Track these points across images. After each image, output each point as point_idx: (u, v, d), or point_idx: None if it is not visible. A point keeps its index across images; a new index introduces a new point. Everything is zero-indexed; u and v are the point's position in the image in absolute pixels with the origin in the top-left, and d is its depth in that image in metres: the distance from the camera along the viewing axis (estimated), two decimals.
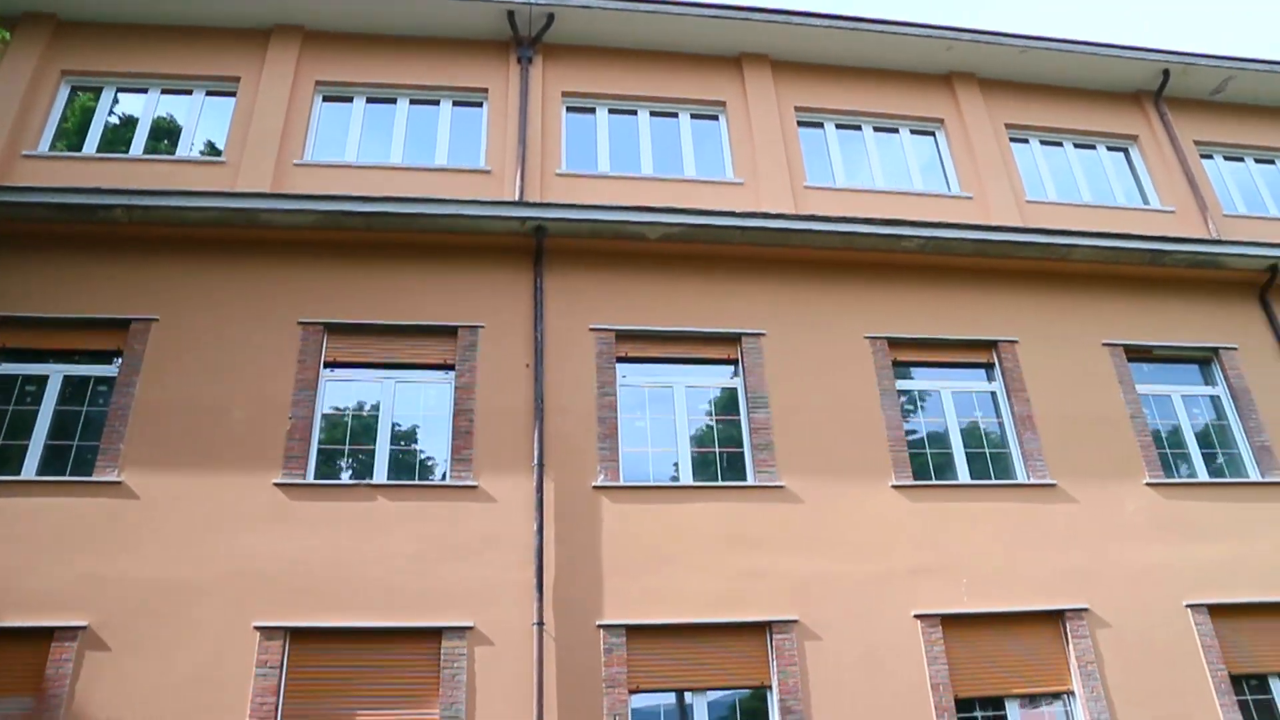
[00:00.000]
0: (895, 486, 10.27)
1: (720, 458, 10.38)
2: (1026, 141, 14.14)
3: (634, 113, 13.07)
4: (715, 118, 13.25)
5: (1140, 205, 13.80)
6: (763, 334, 10.94)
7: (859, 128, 13.68)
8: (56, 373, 9.86)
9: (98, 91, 12.22)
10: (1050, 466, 10.75)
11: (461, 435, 9.81)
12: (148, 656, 8.32)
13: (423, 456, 9.93)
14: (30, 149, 11.36)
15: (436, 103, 12.68)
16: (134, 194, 10.12)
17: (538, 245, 10.79)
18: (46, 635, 8.29)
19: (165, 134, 12.06)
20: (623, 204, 11.11)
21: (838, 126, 13.62)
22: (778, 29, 13.32)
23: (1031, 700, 9.62)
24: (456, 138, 12.40)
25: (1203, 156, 14.62)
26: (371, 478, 9.65)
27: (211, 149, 11.91)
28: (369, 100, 12.58)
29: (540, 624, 8.81)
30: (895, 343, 11.28)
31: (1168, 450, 11.43)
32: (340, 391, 10.17)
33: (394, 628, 8.75)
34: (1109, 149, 14.45)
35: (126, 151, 11.73)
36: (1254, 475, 11.32)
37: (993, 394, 11.39)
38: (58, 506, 8.90)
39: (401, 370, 10.34)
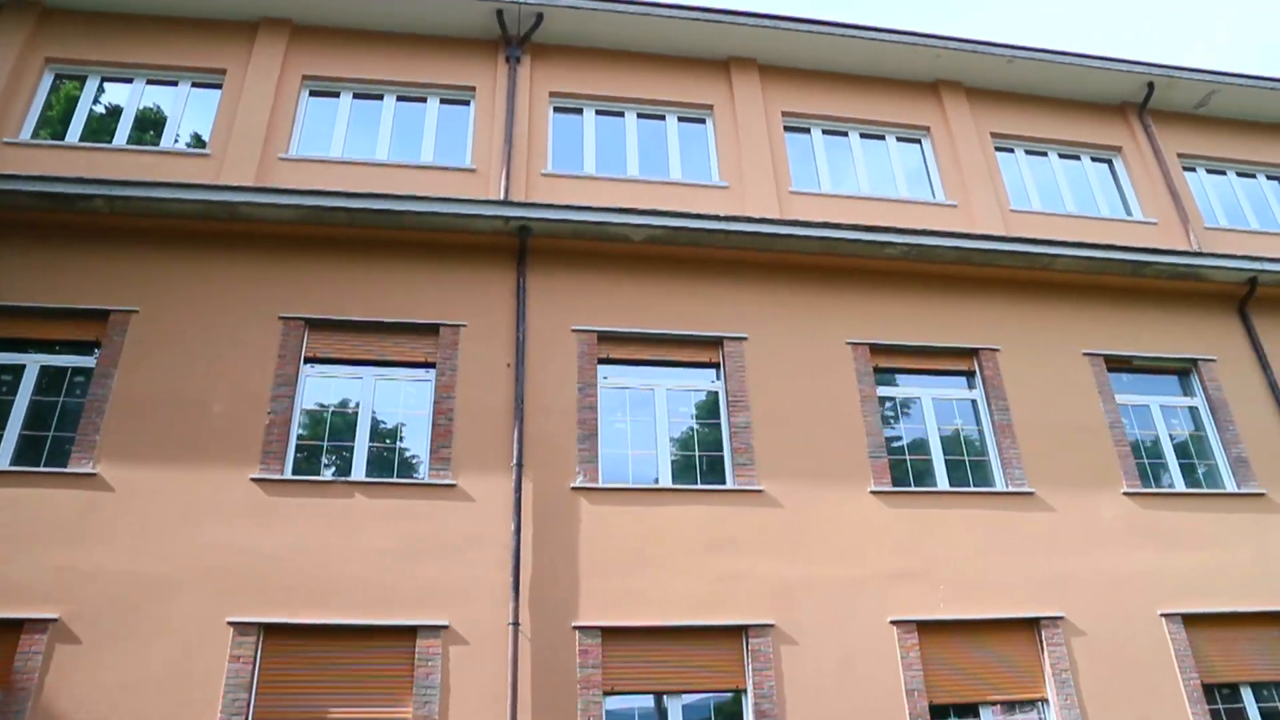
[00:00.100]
0: (874, 492, 10.30)
1: (700, 461, 10.38)
2: (1011, 151, 14.22)
3: (621, 114, 13.07)
4: (702, 121, 13.27)
5: (1123, 216, 13.89)
6: (745, 338, 10.95)
7: (845, 134, 13.72)
8: (34, 363, 9.77)
9: (82, 80, 12.13)
10: (1029, 475, 10.80)
11: (441, 434, 9.77)
12: (119, 650, 8.25)
13: (402, 454, 9.90)
14: (12, 136, 11.27)
15: (424, 100, 12.65)
16: (116, 184, 10.04)
17: (521, 245, 10.77)
18: (16, 627, 8.21)
19: (150, 125, 11.98)
20: (607, 205, 11.11)
21: (824, 132, 13.66)
22: (766, 33, 13.34)
23: (1006, 708, 9.65)
24: (443, 135, 12.37)
25: (1185, 169, 14.75)
26: (350, 475, 9.61)
27: (197, 141, 11.84)
28: (356, 96, 12.53)
29: (516, 624, 8.80)
30: (877, 349, 11.32)
31: (1146, 460, 11.50)
32: (320, 387, 10.12)
33: (369, 625, 8.72)
34: (1093, 160, 14.55)
35: (110, 141, 11.65)
36: (1230, 486, 11.41)
37: (973, 401, 11.44)
38: (31, 498, 8.82)
39: (382, 367, 10.30)
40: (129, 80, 12.23)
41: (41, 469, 9.08)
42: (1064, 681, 9.61)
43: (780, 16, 13.29)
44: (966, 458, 11.04)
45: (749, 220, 11.06)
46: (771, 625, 9.33)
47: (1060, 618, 9.95)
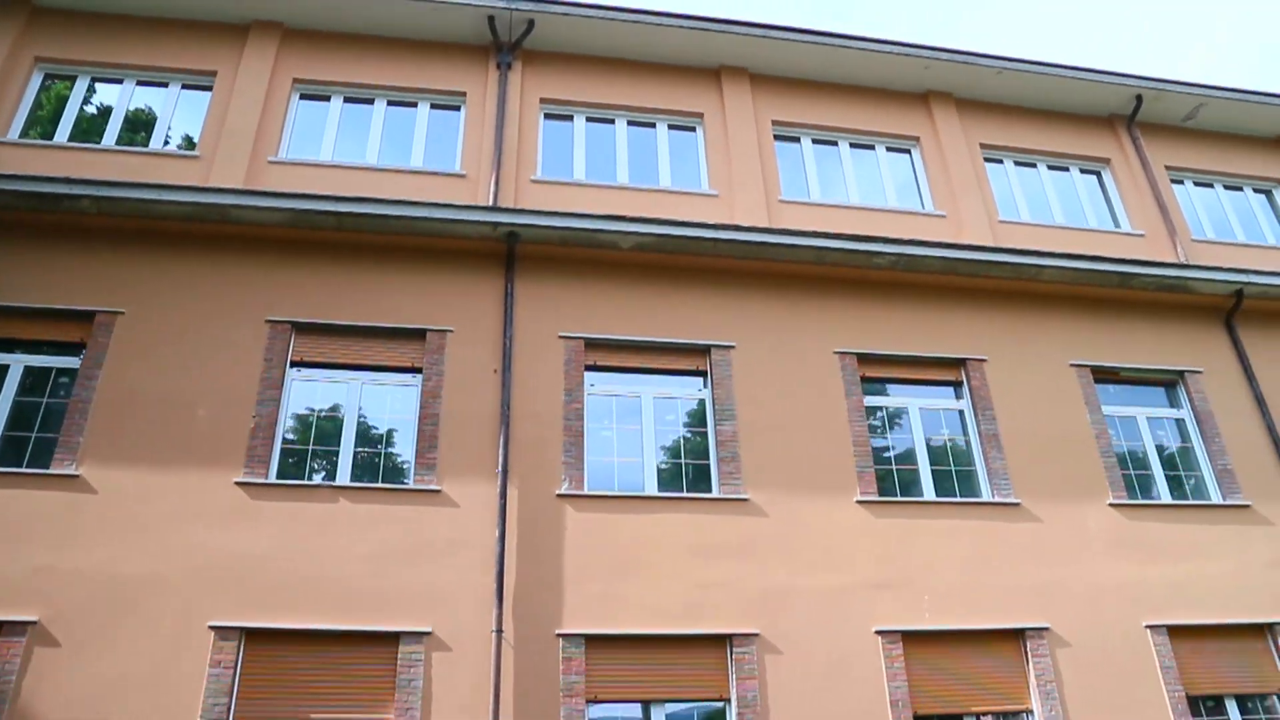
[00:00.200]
0: (860, 502, 10.30)
1: (686, 469, 10.37)
2: (1001, 162, 14.29)
3: (611, 121, 13.09)
4: (692, 129, 13.30)
5: (1111, 228, 13.95)
6: (732, 346, 10.95)
7: (835, 143, 13.76)
8: (18, 363, 9.72)
9: (72, 80, 12.10)
10: (1015, 485, 10.81)
11: (426, 439, 9.75)
12: (99, 654, 8.19)
13: (387, 459, 9.86)
14: (0, 136, 11.22)
15: (414, 105, 12.65)
16: (103, 185, 9.99)
17: (509, 251, 10.76)
18: None
19: (140, 126, 11.95)
20: (596, 212, 11.11)
21: (814, 141, 13.69)
22: (757, 42, 13.39)
23: (991, 718, 9.64)
24: (433, 140, 12.37)
25: (1173, 182, 14.84)
26: (334, 479, 9.57)
27: (187, 142, 11.82)
28: (346, 100, 12.53)
29: (499, 631, 8.76)
30: (865, 358, 11.33)
31: (1132, 471, 11.53)
32: (306, 391, 10.09)
33: (351, 631, 8.67)
34: (1082, 171, 14.62)
35: (99, 142, 11.62)
36: (1216, 498, 11.44)
37: (960, 412, 11.45)
38: (12, 498, 8.75)
39: (369, 372, 10.27)
40: (119, 81, 12.21)
41: (23, 470, 9.01)
42: (1049, 692, 9.61)
43: (771, 26, 13.34)
44: (953, 468, 11.05)
45: (738, 229, 11.06)
46: (756, 634, 9.31)
47: (1045, 628, 9.95)
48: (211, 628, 8.43)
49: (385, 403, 10.17)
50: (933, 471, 10.95)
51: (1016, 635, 9.94)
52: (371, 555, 9.02)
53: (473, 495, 9.50)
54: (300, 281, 10.42)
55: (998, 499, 10.67)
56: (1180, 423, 12.11)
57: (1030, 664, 9.78)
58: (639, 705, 9.01)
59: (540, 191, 11.90)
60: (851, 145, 13.81)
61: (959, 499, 10.67)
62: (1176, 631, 10.29)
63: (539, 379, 10.30)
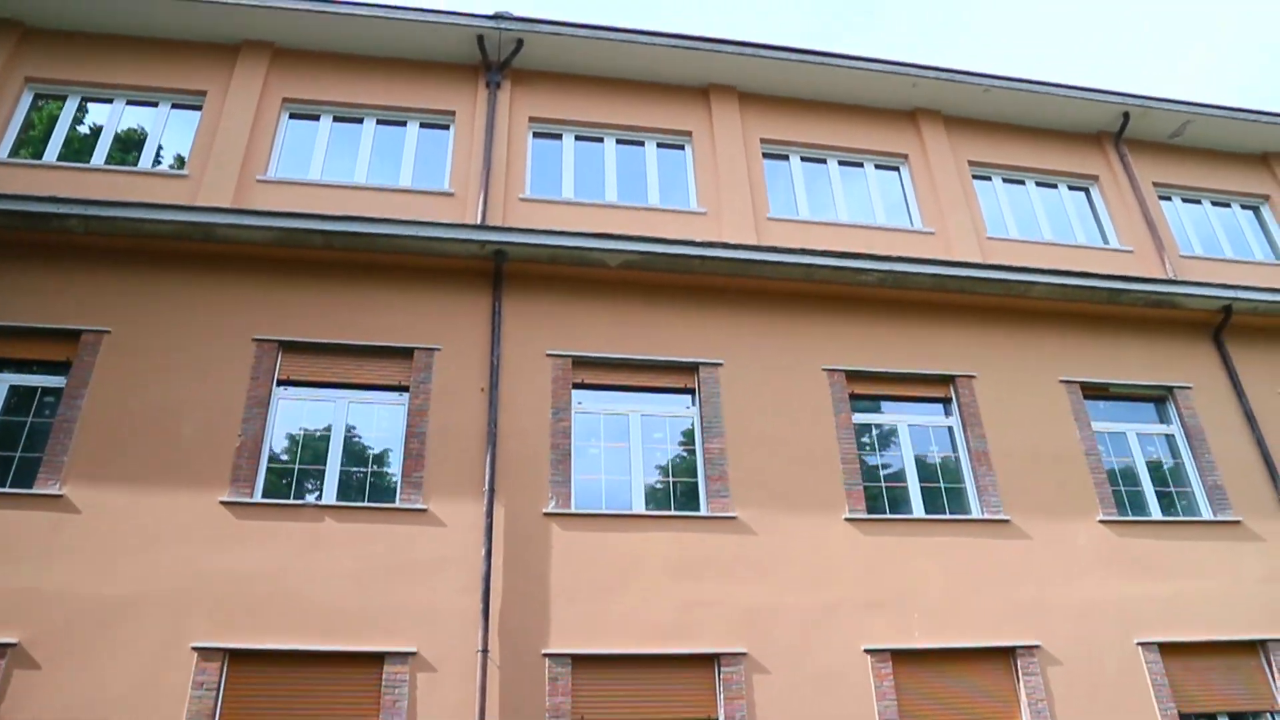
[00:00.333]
0: (848, 519, 10.25)
1: (674, 487, 10.33)
2: (989, 179, 14.34)
3: (600, 140, 13.14)
4: (681, 147, 13.35)
5: (1099, 244, 13.99)
6: (720, 364, 10.94)
7: (824, 161, 13.82)
8: (2, 382, 9.69)
9: (62, 100, 12.14)
10: (1005, 502, 10.77)
11: (413, 457, 9.71)
12: (80, 675, 8.10)
13: (373, 478, 9.82)
14: None
15: (403, 124, 12.70)
16: (90, 204, 10.00)
17: (497, 269, 10.77)
18: None
19: (130, 145, 11.98)
20: (583, 230, 11.12)
21: (803, 159, 13.75)
22: (745, 61, 13.46)
23: None
24: (422, 159, 12.41)
25: (1161, 198, 14.91)
26: (320, 498, 9.53)
27: (178, 162, 11.84)
28: (336, 119, 12.58)
29: (485, 651, 8.69)
30: (853, 375, 11.32)
31: (1122, 488, 11.49)
32: (293, 410, 10.05)
33: (336, 651, 8.60)
34: (1070, 188, 14.68)
35: (89, 161, 11.64)
36: (1206, 514, 11.40)
37: (949, 428, 11.43)
38: None
39: (355, 390, 10.24)
40: (109, 100, 12.25)
41: (6, 490, 8.96)
42: (1040, 711, 9.54)
43: (760, 45, 13.41)
44: (942, 485, 11.01)
45: (725, 246, 11.08)
46: (744, 654, 9.24)
47: (1036, 646, 9.89)
48: (194, 648, 8.36)
49: (372, 421, 10.14)
50: (922, 489, 10.91)
51: (1007, 653, 9.87)
52: (357, 575, 8.97)
53: (459, 514, 9.45)
54: (287, 300, 10.41)
55: (987, 516, 10.63)
56: (1170, 438, 12.09)
57: (1021, 682, 9.71)
58: None
59: (529, 210, 11.92)
60: (840, 163, 13.86)
61: (948, 516, 10.63)
62: (1168, 649, 10.22)
63: (526, 397, 10.27)
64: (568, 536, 9.55)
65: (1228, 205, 15.33)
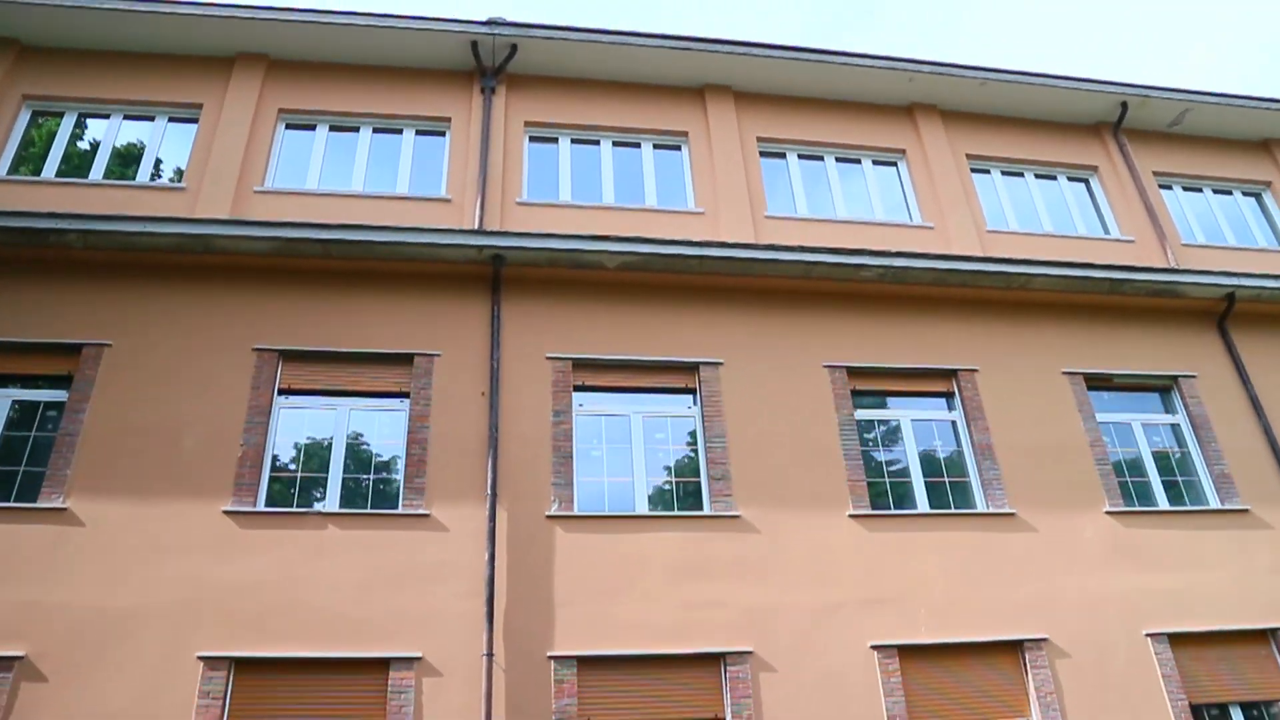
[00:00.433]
0: (853, 516, 10.22)
1: (676, 487, 10.32)
2: (988, 172, 14.29)
3: (596, 142, 13.14)
4: (678, 148, 13.34)
5: (1100, 235, 13.93)
6: (720, 363, 10.93)
7: (821, 158, 13.79)
8: (5, 397, 9.74)
9: (60, 116, 12.21)
10: (1009, 496, 10.73)
11: (415, 463, 9.72)
12: (87, 687, 8.13)
13: (376, 485, 9.83)
14: None
15: (399, 131, 12.73)
16: (89, 219, 10.06)
17: (495, 274, 10.78)
18: None
19: (128, 159, 12.04)
20: (581, 233, 11.13)
21: (800, 157, 13.72)
22: (740, 60, 13.45)
23: None
24: (418, 166, 12.44)
25: (1161, 187, 14.83)
26: (323, 506, 9.55)
27: (177, 175, 11.89)
28: (332, 128, 12.61)
29: (490, 655, 8.68)
30: (855, 372, 11.29)
31: (1128, 478, 11.43)
32: (294, 419, 10.08)
33: (341, 658, 8.61)
34: (1069, 179, 14.62)
35: (87, 176, 11.70)
36: (1214, 503, 11.33)
37: (953, 423, 11.39)
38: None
39: (356, 398, 10.26)
40: (106, 116, 12.32)
41: (11, 504, 9.00)
42: (1049, 704, 9.49)
43: (754, 44, 13.40)
44: (946, 479, 10.98)
45: (723, 245, 11.07)
46: (750, 652, 9.22)
47: (1044, 639, 9.83)
48: (200, 658, 8.38)
49: (373, 428, 10.15)
50: (926, 483, 10.87)
51: (1015, 647, 9.82)
52: (361, 581, 8.98)
53: (462, 519, 9.46)
54: (287, 309, 10.44)
55: (992, 509, 10.59)
56: (1175, 428, 12.02)
57: (1029, 676, 9.66)
58: None
59: (526, 214, 11.93)
60: (837, 160, 13.84)
61: (953, 511, 10.60)
62: (1177, 639, 10.15)
63: (527, 401, 10.28)
64: (571, 539, 9.54)
65: (1229, 193, 15.25)
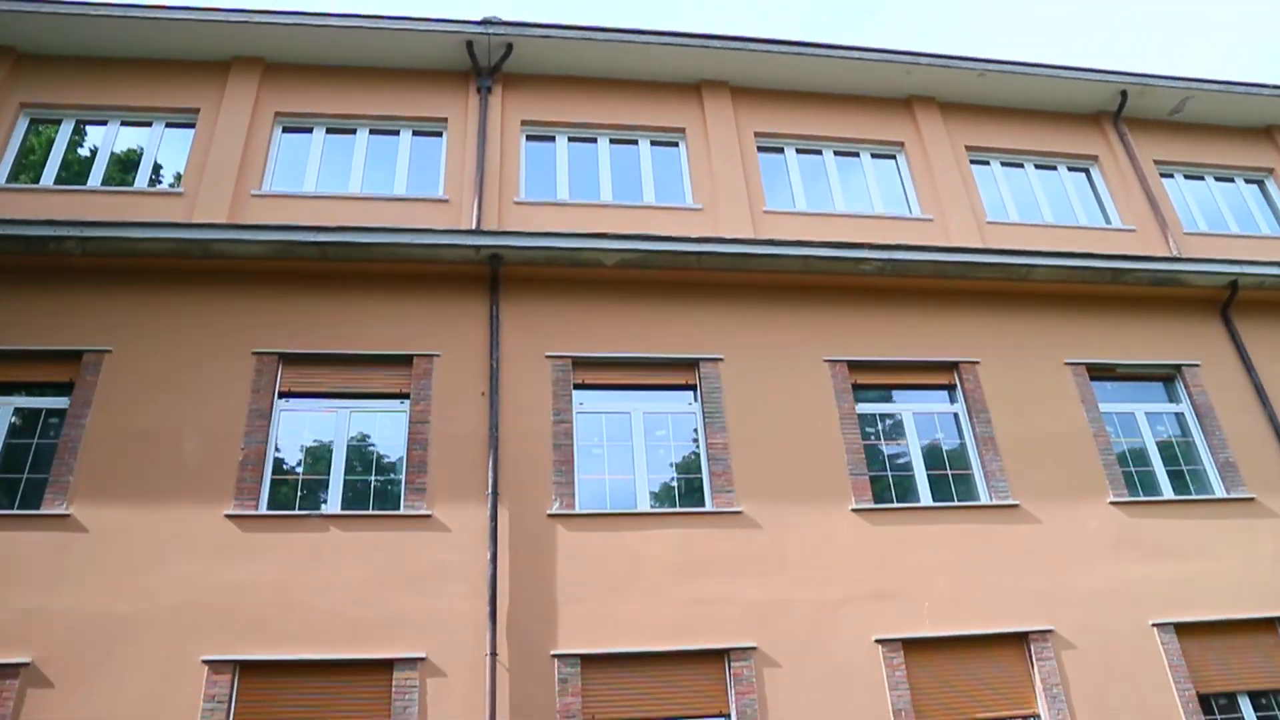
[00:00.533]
0: (855, 510, 10.20)
1: (678, 484, 10.30)
2: (987, 163, 14.23)
3: (594, 140, 13.12)
4: (675, 144, 13.31)
5: (1101, 224, 13.86)
6: (721, 359, 10.91)
7: (819, 152, 13.75)
8: (7, 405, 9.77)
9: (58, 123, 12.23)
10: (1013, 487, 10.69)
11: (416, 464, 9.73)
12: (92, 692, 8.16)
13: (377, 486, 9.84)
14: None
15: (396, 133, 12.73)
16: (87, 225, 10.08)
17: (493, 273, 10.78)
18: None
19: (126, 165, 12.06)
20: (578, 231, 11.11)
21: (798, 151, 13.68)
22: (737, 55, 13.42)
23: None
24: (415, 167, 12.43)
25: (1163, 175, 14.74)
26: (325, 508, 9.56)
27: (176, 180, 11.91)
28: (329, 131, 12.61)
29: (493, 654, 8.68)
30: (855, 365, 11.26)
31: (1132, 468, 11.38)
32: (295, 422, 10.09)
33: (345, 660, 8.62)
34: (1069, 169, 14.55)
35: (85, 183, 11.72)
36: (1219, 492, 11.27)
37: (955, 415, 11.36)
38: (4, 540, 8.77)
39: (357, 400, 10.27)
40: (103, 122, 12.33)
41: (14, 511, 9.04)
42: (1055, 696, 9.45)
43: (750, 39, 13.37)
44: (949, 472, 10.94)
45: (721, 241, 11.05)
46: (754, 648, 9.20)
47: (1049, 631, 9.80)
48: (205, 662, 8.40)
49: (374, 430, 10.16)
50: (929, 476, 10.84)
51: (1020, 639, 9.78)
52: (364, 583, 8.99)
53: (464, 518, 9.46)
54: (286, 312, 10.46)
55: (995, 501, 10.55)
56: (1180, 417, 11.97)
57: (1035, 668, 9.63)
58: None
59: (524, 213, 11.92)
60: (836, 153, 13.79)
61: (955, 503, 10.56)
62: (1184, 629, 10.10)
63: (527, 399, 10.28)
64: (573, 537, 9.54)
65: (1231, 180, 15.15)
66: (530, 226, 11.60)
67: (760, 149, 13.46)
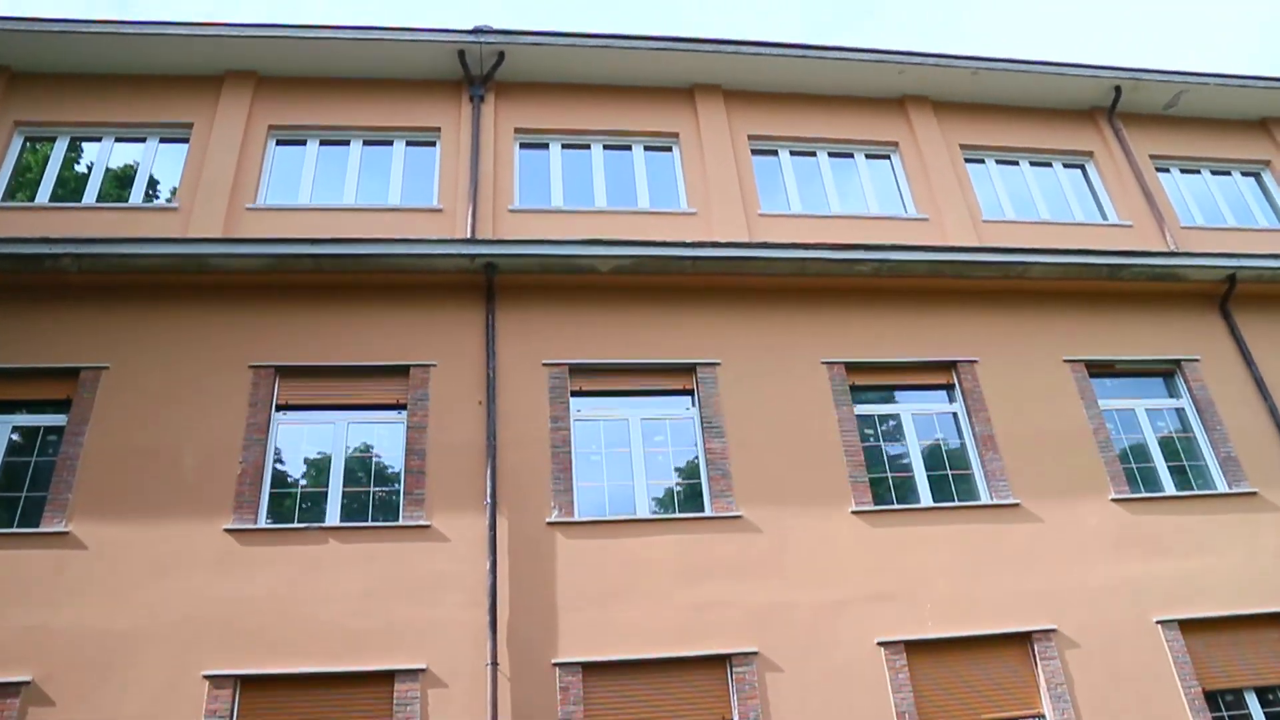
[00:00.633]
0: (855, 512, 10.17)
1: (677, 489, 10.28)
2: (982, 161, 14.21)
3: (587, 147, 13.13)
4: (669, 149, 13.32)
5: (1098, 220, 13.84)
6: (718, 363, 10.89)
7: (813, 154, 13.75)
8: (5, 423, 9.78)
9: (52, 141, 12.27)
10: (1013, 486, 10.65)
11: (414, 474, 9.72)
12: (93, 710, 8.14)
13: (376, 497, 9.83)
14: None
15: (390, 143, 12.75)
16: (82, 242, 10.10)
17: (489, 282, 10.77)
18: None
19: (121, 181, 12.09)
20: (573, 238, 11.11)
21: (792, 153, 13.68)
22: (729, 59, 13.42)
23: None
24: (409, 177, 12.45)
25: (1158, 170, 14.71)
26: (324, 520, 9.55)
27: (171, 194, 11.93)
28: (322, 143, 12.64)
29: (494, 664, 8.67)
30: (853, 367, 11.23)
31: (1133, 465, 11.33)
32: (292, 434, 10.09)
33: (346, 672, 8.60)
34: (1065, 166, 14.53)
35: (80, 200, 11.76)
36: (1221, 487, 11.21)
37: (954, 415, 11.32)
38: (3, 559, 8.77)
39: (354, 411, 10.26)
40: (98, 139, 12.37)
41: (14, 530, 9.05)
42: (1059, 695, 9.41)
43: (742, 42, 13.38)
44: (949, 472, 10.91)
45: (715, 245, 11.04)
46: (755, 653, 9.17)
47: (1053, 630, 9.75)
48: (206, 677, 8.39)
49: (372, 441, 10.16)
50: (929, 477, 10.81)
51: (1023, 639, 9.74)
52: (363, 594, 8.97)
53: (462, 528, 9.44)
54: (282, 325, 10.46)
55: (996, 501, 10.51)
56: (1180, 412, 11.92)
57: (1039, 667, 9.58)
58: None
59: (519, 221, 11.92)
60: (830, 155, 13.78)
61: (956, 503, 10.51)
62: (1188, 626, 10.03)
63: (524, 408, 10.26)
64: (572, 544, 9.52)
65: (1228, 173, 15.12)
66: (525, 234, 11.60)
67: (754, 152, 13.46)
